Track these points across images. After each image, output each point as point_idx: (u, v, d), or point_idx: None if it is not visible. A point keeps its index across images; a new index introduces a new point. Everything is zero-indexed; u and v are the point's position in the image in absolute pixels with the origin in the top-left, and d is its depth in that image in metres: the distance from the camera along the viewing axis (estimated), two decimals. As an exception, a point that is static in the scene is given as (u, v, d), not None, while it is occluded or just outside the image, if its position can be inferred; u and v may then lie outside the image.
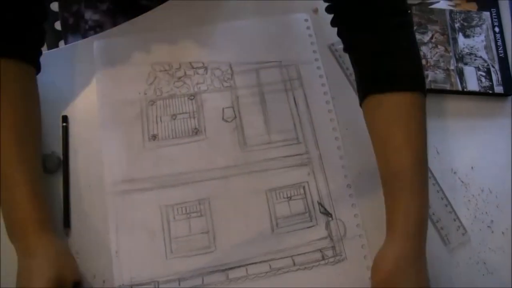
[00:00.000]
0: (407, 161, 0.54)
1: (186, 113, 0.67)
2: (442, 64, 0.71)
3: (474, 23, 0.75)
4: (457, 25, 0.75)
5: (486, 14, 0.76)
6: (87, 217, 0.61)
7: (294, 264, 0.60)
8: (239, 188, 0.63)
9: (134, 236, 0.60)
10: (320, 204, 0.63)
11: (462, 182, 0.66)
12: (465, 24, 0.75)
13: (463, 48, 0.73)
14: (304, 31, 0.74)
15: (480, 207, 0.64)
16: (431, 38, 0.73)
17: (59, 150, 0.64)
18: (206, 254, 0.60)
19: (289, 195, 0.63)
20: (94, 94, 0.67)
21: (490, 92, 0.70)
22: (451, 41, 0.73)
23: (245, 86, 0.69)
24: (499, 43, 0.74)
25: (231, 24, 0.73)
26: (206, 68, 0.70)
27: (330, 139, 0.67)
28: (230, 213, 0.62)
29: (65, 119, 0.66)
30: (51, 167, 0.62)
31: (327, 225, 0.62)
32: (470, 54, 0.72)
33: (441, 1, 0.76)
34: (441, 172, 0.66)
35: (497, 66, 0.72)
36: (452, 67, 0.71)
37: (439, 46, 0.73)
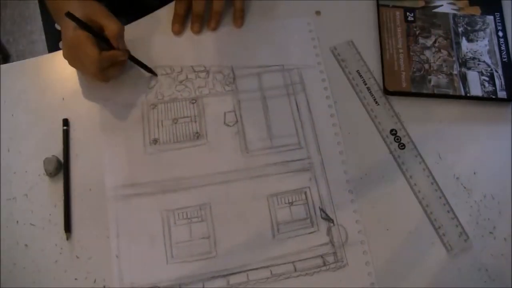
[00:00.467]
0: None
1: (187, 117, 0.67)
2: (445, 69, 0.71)
3: (477, 27, 0.74)
4: (460, 29, 0.74)
5: (489, 18, 0.75)
6: (88, 221, 0.61)
7: (295, 270, 0.60)
8: (240, 193, 0.63)
9: (135, 240, 0.60)
10: (321, 209, 0.63)
11: (465, 187, 0.65)
12: (469, 28, 0.74)
13: (466, 52, 0.72)
14: (306, 34, 0.73)
15: (482, 213, 0.64)
16: (434, 42, 0.73)
17: (59, 154, 0.64)
18: (206, 260, 0.60)
19: (290, 201, 0.63)
20: (95, 97, 0.67)
21: (493, 97, 0.70)
22: (454, 46, 0.73)
23: (247, 90, 0.69)
24: (503, 47, 0.73)
25: (233, 28, 0.73)
26: (208, 72, 0.70)
27: (332, 144, 0.66)
28: (231, 218, 0.62)
29: (66, 122, 0.66)
30: (52, 170, 0.62)
31: (329, 231, 0.62)
32: (474, 58, 0.72)
33: (445, 5, 0.75)
34: (443, 177, 0.65)
35: (500, 71, 0.71)
36: (455, 72, 0.71)
37: (442, 51, 0.72)
